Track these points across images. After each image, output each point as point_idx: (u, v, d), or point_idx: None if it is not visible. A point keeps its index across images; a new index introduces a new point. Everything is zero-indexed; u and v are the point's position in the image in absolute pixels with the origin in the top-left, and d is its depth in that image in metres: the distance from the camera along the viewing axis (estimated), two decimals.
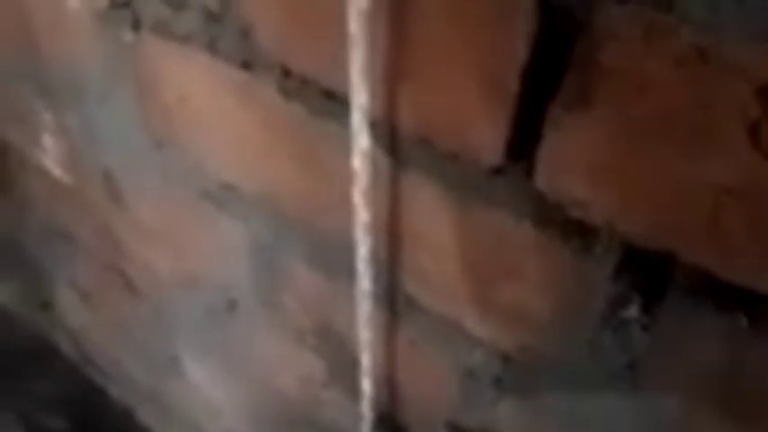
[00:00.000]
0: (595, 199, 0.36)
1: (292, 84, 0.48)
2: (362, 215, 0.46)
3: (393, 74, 0.42)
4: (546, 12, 0.33)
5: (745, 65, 0.29)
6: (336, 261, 0.53)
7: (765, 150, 0.30)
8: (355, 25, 0.39)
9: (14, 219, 0.93)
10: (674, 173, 0.33)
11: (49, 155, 0.75)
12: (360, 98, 0.42)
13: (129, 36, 0.56)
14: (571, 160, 0.36)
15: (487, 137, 0.39)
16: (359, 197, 0.46)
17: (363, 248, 0.47)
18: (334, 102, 0.45)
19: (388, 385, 0.56)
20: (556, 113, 0.36)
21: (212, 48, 0.51)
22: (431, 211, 0.44)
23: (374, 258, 0.47)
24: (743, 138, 0.30)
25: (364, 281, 0.48)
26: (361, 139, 0.43)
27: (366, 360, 0.51)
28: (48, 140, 0.73)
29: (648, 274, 0.37)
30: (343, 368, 0.59)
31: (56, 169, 0.77)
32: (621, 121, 0.33)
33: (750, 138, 0.30)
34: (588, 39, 0.32)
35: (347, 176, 0.45)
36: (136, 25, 0.55)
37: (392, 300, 0.51)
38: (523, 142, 0.38)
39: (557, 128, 0.36)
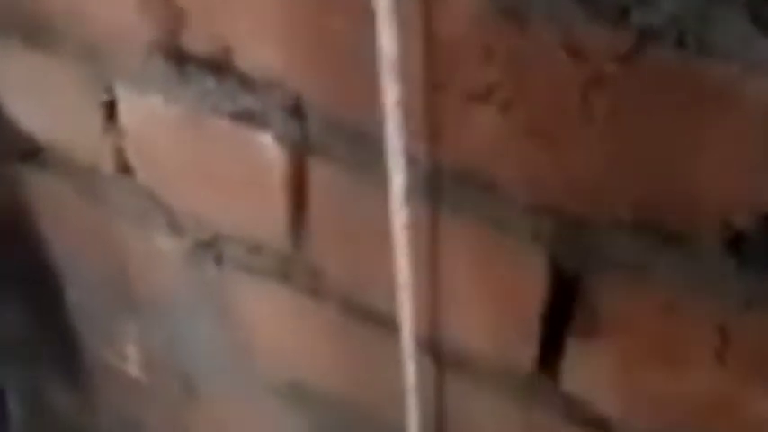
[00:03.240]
0: (609, 401, 0.47)
1: (352, 307, 0.60)
2: (413, 415, 0.57)
3: (434, 300, 0.54)
4: (554, 271, 0.46)
5: (704, 311, 0.41)
6: None
7: (730, 369, 0.42)
8: (403, 269, 0.51)
9: (85, 412, 1.03)
10: (665, 385, 0.44)
11: (130, 360, 0.86)
12: (406, 320, 0.53)
13: (212, 270, 0.69)
14: (587, 372, 0.48)
15: (521, 354, 0.51)
16: (411, 400, 0.57)
17: None
18: (387, 323, 0.57)
19: None
20: (572, 339, 0.47)
21: (284, 280, 0.64)
22: (476, 413, 0.55)
23: None
24: (712, 361, 0.42)
25: None
26: (408, 350, 0.55)
27: None
28: (130, 349, 0.85)
29: None
30: None
31: (134, 371, 0.88)
32: (621, 348, 0.45)
33: (717, 361, 0.42)
34: (587, 291, 0.45)
35: (398, 378, 0.56)
36: (218, 261, 0.68)
37: None
38: (551, 357, 0.50)
39: (573, 349, 0.48)
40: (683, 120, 0.38)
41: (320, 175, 0.57)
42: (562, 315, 0.47)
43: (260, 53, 0.56)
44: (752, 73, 0.35)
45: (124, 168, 0.71)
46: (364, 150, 0.53)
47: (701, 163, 0.38)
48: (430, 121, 0.49)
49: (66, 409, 1.05)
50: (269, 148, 0.58)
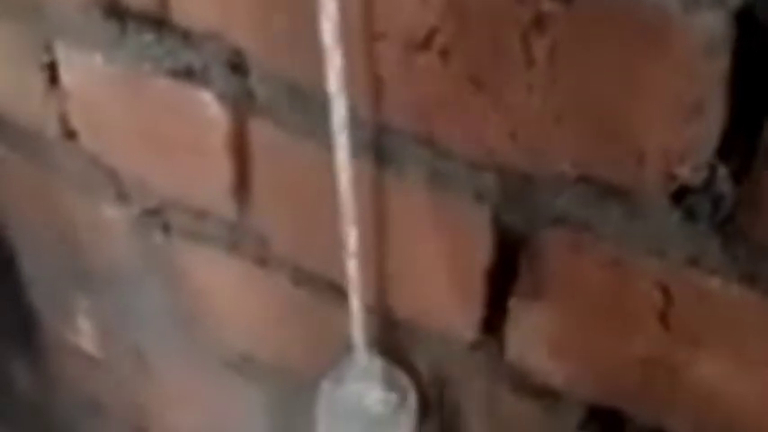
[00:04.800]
0: (554, 368, 0.45)
1: (302, 276, 0.58)
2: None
3: (383, 271, 0.52)
4: (498, 230, 0.44)
5: (648, 269, 0.39)
6: None
7: (673, 331, 0.39)
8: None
9: (44, 392, 1.01)
10: (610, 348, 0.42)
11: (83, 334, 0.84)
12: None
13: (159, 238, 0.66)
14: (531, 337, 0.46)
15: (465, 318, 0.48)
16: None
17: None
18: (337, 291, 0.55)
19: None
20: (516, 302, 0.45)
21: (232, 248, 0.61)
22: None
23: None
24: (655, 322, 0.40)
25: None
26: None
27: None
28: (83, 322, 0.82)
29: (609, 426, 0.45)
30: None
31: (88, 346, 0.85)
32: (565, 309, 0.43)
33: (660, 322, 0.40)
34: (532, 249, 0.43)
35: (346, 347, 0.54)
36: (165, 229, 0.66)
37: None
38: (495, 322, 0.47)
39: (518, 312, 0.45)
40: (623, 62, 0.35)
41: (263, 134, 0.55)
42: (507, 277, 0.45)
43: (198, 4, 0.53)
44: (691, 8, 0.32)
45: (69, 133, 0.68)
46: (308, 108, 0.51)
47: (643, 108, 0.36)
48: (373, 75, 0.46)
49: (28, 388, 1.03)
50: (210, 106, 0.56)
